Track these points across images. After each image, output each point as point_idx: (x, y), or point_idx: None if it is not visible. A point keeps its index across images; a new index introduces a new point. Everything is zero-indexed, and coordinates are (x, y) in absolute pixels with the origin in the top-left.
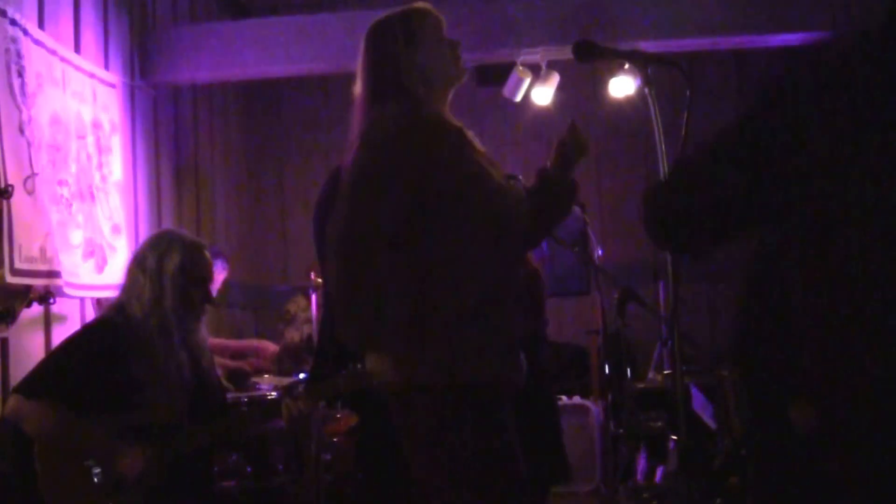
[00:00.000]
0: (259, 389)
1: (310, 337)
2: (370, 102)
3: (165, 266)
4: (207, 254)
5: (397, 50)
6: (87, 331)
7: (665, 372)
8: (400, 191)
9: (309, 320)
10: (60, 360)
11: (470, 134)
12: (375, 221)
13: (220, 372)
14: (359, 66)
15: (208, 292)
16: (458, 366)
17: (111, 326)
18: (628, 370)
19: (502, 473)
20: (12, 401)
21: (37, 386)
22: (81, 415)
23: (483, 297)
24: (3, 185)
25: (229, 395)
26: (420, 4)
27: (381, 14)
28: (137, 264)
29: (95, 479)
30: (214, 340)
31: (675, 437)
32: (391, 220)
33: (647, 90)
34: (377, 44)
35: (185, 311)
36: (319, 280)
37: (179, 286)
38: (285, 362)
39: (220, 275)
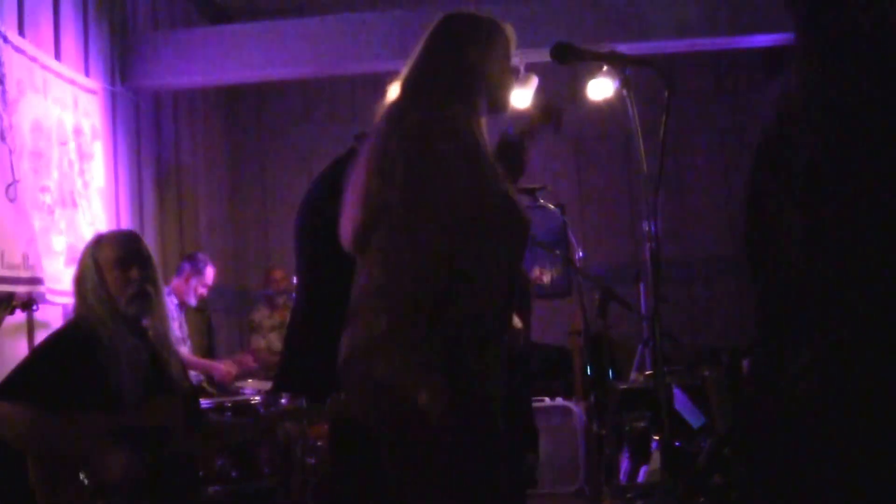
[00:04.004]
0: (243, 393)
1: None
2: (420, 97)
3: (83, 263)
4: (125, 238)
5: (476, 52)
6: (57, 335)
7: (647, 372)
8: (457, 206)
9: (274, 328)
10: (35, 363)
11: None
12: (436, 237)
13: (201, 377)
14: (417, 57)
15: (128, 276)
16: (472, 385)
17: (75, 328)
18: (610, 371)
19: (486, 478)
20: None
21: (14, 388)
22: (62, 416)
23: (497, 318)
24: None
25: (213, 399)
26: (496, 18)
27: (458, 9)
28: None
29: (82, 481)
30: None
31: (657, 437)
32: (448, 236)
33: (625, 92)
34: (454, 38)
35: (121, 301)
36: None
37: (96, 277)
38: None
39: (208, 279)
